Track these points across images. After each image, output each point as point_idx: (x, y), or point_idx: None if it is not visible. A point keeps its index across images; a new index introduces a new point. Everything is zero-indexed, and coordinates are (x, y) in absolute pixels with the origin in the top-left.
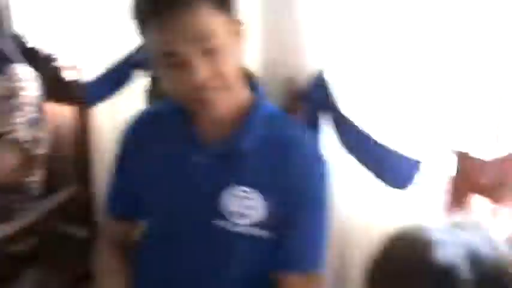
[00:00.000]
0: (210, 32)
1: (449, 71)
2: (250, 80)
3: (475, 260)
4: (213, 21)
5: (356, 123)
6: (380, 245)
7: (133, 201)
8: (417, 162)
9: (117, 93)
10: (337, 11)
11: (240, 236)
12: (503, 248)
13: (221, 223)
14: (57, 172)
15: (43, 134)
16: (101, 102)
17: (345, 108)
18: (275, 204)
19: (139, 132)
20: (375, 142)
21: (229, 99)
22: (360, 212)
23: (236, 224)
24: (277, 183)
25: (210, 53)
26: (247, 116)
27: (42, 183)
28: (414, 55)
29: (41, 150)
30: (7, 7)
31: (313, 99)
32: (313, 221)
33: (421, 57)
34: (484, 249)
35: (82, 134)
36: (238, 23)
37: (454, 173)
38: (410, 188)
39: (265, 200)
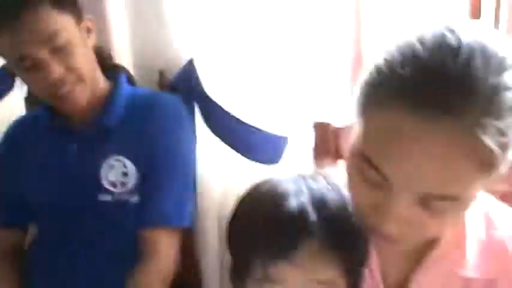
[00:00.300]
0: (54, 31)
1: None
2: (114, 70)
3: (321, 204)
4: (55, 21)
5: (224, 108)
6: (237, 200)
7: (18, 207)
8: (284, 138)
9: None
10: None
11: (123, 204)
12: (346, 193)
13: (106, 197)
14: None
15: None
16: None
17: (214, 95)
18: (143, 166)
19: (16, 139)
20: (243, 124)
21: (87, 90)
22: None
23: (119, 193)
24: (142, 146)
25: (58, 51)
26: (107, 99)
27: None
28: (273, 40)
29: None
30: None
31: (183, 89)
32: (175, 176)
33: (279, 43)
34: (329, 195)
35: None
36: (83, 19)
37: (314, 143)
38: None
39: (135, 164)
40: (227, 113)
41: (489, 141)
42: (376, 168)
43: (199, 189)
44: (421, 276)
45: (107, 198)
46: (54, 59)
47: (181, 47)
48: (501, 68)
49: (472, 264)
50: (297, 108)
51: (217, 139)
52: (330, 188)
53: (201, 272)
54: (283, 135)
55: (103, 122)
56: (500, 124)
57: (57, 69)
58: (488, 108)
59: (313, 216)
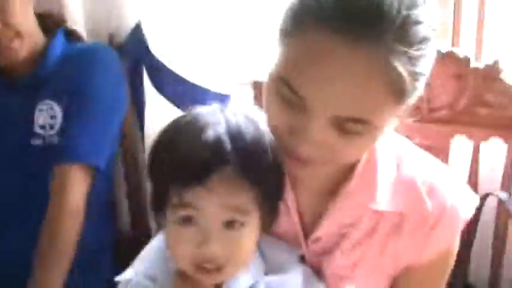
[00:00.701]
0: None
1: None
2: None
3: (237, 135)
4: None
5: (171, 69)
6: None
7: None
8: (227, 96)
9: None
10: None
11: (52, 147)
12: (260, 124)
13: (37, 141)
14: None
15: None
16: None
17: (161, 56)
18: (67, 107)
19: None
20: (189, 83)
21: (24, 45)
22: None
23: (49, 136)
24: (68, 89)
25: None
26: (43, 53)
27: None
28: None
29: None
30: None
31: (132, 51)
32: (93, 116)
33: None
34: (246, 127)
35: None
36: None
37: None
38: None
39: (62, 107)
40: (173, 74)
41: (401, 68)
42: (294, 91)
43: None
44: (334, 210)
45: (38, 142)
46: None
47: (129, 10)
48: (413, 3)
49: (382, 198)
50: (237, 68)
51: (165, 100)
52: (247, 121)
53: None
54: (226, 93)
55: (37, 73)
56: (412, 53)
57: None
58: (401, 36)
59: (228, 145)
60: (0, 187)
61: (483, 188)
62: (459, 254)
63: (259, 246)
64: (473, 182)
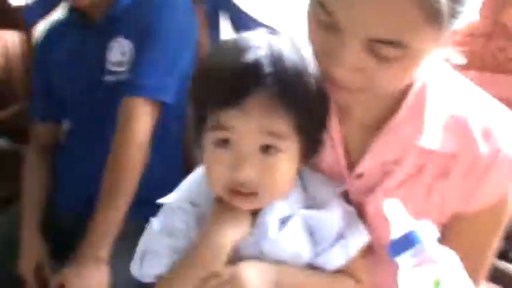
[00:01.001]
0: None
1: None
2: None
3: (278, 59)
4: None
5: (249, 14)
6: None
7: (51, 102)
8: None
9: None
10: None
11: (122, 83)
12: (305, 52)
13: (111, 77)
14: (6, 93)
15: None
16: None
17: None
18: (137, 43)
19: (47, 40)
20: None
21: None
22: None
23: (120, 72)
24: (138, 25)
25: None
26: None
27: None
28: None
29: None
30: None
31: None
32: (162, 51)
33: None
34: (289, 53)
35: (28, 56)
36: None
37: None
38: None
39: (132, 42)
40: (251, 18)
41: None
42: (328, 12)
43: None
44: (377, 144)
45: (110, 78)
46: None
47: None
48: None
49: (430, 136)
50: None
51: None
52: (292, 47)
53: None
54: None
55: (110, 12)
56: None
57: None
58: None
59: (267, 68)
60: (74, 122)
61: None
62: None
63: (301, 179)
64: None
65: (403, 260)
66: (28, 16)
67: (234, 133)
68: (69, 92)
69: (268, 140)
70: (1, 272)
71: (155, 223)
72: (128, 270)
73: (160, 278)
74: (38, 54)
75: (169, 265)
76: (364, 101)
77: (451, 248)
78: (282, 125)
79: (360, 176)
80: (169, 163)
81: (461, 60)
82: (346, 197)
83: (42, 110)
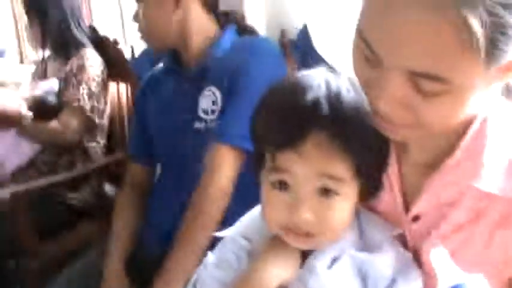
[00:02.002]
0: None
1: None
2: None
3: (336, 100)
4: None
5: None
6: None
7: (147, 144)
8: None
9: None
10: None
11: (210, 130)
12: (363, 93)
13: (200, 124)
14: (115, 140)
15: (104, 106)
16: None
17: (326, 54)
18: (227, 94)
19: (147, 83)
20: None
21: (196, 39)
22: None
23: (210, 120)
24: (229, 76)
25: None
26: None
27: (103, 149)
28: None
29: (102, 120)
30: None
31: (301, 47)
32: (248, 101)
33: None
34: (347, 94)
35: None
36: None
37: None
38: None
39: (222, 93)
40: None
41: (472, 19)
42: (368, 44)
43: None
44: (433, 183)
45: (200, 125)
46: None
47: (298, 12)
48: None
49: (489, 178)
50: None
51: None
52: (350, 86)
53: None
54: None
55: (206, 62)
56: (489, 2)
57: None
58: None
59: (325, 109)
60: (164, 165)
61: None
62: None
63: (357, 220)
64: None
65: None
66: (138, 68)
67: (291, 176)
68: (162, 136)
69: (326, 183)
70: None
71: (210, 255)
72: None
73: None
74: (137, 101)
75: None
76: (420, 140)
77: None
78: (341, 168)
79: (416, 218)
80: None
81: None
82: (404, 242)
83: (137, 152)
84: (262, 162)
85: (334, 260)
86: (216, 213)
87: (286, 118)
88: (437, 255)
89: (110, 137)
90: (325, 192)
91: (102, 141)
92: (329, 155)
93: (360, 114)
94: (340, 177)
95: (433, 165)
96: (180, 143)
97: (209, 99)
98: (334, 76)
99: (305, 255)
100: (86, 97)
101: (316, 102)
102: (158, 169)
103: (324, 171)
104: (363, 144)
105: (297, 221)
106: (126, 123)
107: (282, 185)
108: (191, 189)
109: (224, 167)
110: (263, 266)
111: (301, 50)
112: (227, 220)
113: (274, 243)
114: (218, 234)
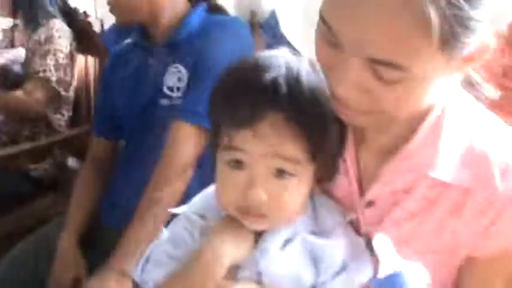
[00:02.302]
0: None
1: None
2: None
3: (295, 81)
4: None
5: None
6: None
7: (111, 119)
8: None
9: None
10: None
11: (175, 108)
12: (323, 77)
13: (165, 101)
14: (81, 113)
15: (70, 79)
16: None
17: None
18: (192, 71)
19: (115, 58)
20: None
21: (166, 13)
22: None
23: (175, 98)
24: (195, 54)
25: None
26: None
27: (68, 121)
28: None
29: (68, 93)
30: None
31: (269, 31)
32: (213, 79)
33: None
34: (307, 76)
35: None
36: None
37: None
38: None
39: (188, 70)
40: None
41: (434, 10)
42: (328, 26)
43: None
44: (388, 170)
45: (165, 102)
46: None
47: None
48: None
49: (444, 167)
50: None
51: None
52: (311, 69)
53: None
54: None
55: (173, 38)
56: None
57: None
58: None
59: (283, 90)
60: (127, 142)
61: None
62: None
63: (312, 204)
64: None
65: None
66: (107, 42)
67: (247, 155)
68: (127, 111)
69: (281, 164)
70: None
71: (164, 231)
72: None
73: (157, 286)
74: (104, 76)
75: (167, 274)
76: (378, 126)
77: None
78: (296, 150)
79: (370, 204)
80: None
81: (494, 94)
82: (357, 227)
83: (101, 126)
84: (218, 141)
85: (287, 242)
86: (175, 190)
87: (244, 96)
88: (379, 242)
89: (75, 110)
90: (280, 173)
91: (67, 113)
92: (285, 136)
93: (318, 98)
94: (295, 158)
95: (390, 152)
96: (145, 119)
97: (175, 76)
98: (296, 58)
99: (258, 236)
100: (52, 68)
101: (274, 83)
102: (122, 144)
103: (279, 152)
104: (319, 127)
105: (251, 201)
106: (92, 96)
107: (237, 165)
108: (154, 166)
109: (184, 144)
110: (215, 244)
111: (269, 33)
112: (188, 198)
113: (228, 222)
114: (173, 210)
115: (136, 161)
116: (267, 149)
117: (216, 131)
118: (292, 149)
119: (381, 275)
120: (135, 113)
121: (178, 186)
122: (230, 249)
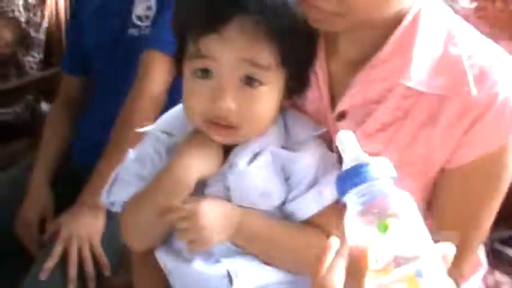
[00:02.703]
0: None
1: None
2: None
3: None
4: None
5: None
6: None
7: (81, 55)
8: None
9: None
10: None
11: (145, 38)
12: None
13: (133, 31)
14: (52, 55)
15: (41, 19)
16: None
17: None
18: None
19: None
20: None
21: None
22: None
23: (144, 27)
24: None
25: None
26: None
27: (39, 64)
28: None
29: (39, 34)
30: None
31: None
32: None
33: None
34: None
35: None
36: None
37: None
38: None
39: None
40: None
41: None
42: None
43: None
44: (360, 79)
45: (134, 32)
46: None
47: None
48: None
49: (418, 76)
50: None
51: None
52: None
53: None
54: None
55: None
56: None
57: None
58: None
59: None
60: (97, 75)
61: None
62: None
63: (283, 119)
64: None
65: (350, 199)
66: None
67: (214, 62)
68: (95, 45)
69: (250, 71)
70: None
71: (131, 152)
72: None
73: (124, 204)
74: (72, 9)
75: (134, 193)
76: (349, 35)
77: (440, 210)
78: (265, 54)
79: (342, 116)
80: None
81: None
82: (330, 142)
83: (70, 62)
84: (184, 52)
85: (256, 156)
86: (146, 120)
87: (208, 1)
88: (342, 137)
89: (47, 53)
90: (250, 80)
91: (38, 56)
92: (253, 39)
93: (287, 2)
94: (264, 64)
95: (361, 63)
96: (114, 52)
97: (144, 5)
98: None
99: (227, 152)
100: (21, 9)
101: None
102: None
103: (248, 57)
104: (289, 31)
105: (220, 110)
106: (64, 38)
107: (205, 73)
108: (123, 100)
109: (156, 74)
110: (183, 159)
111: None
112: None
113: (196, 137)
114: (139, 130)
115: (107, 96)
116: (235, 54)
117: (181, 43)
118: (261, 53)
119: (345, 167)
120: (104, 46)
121: (151, 116)
122: (198, 164)
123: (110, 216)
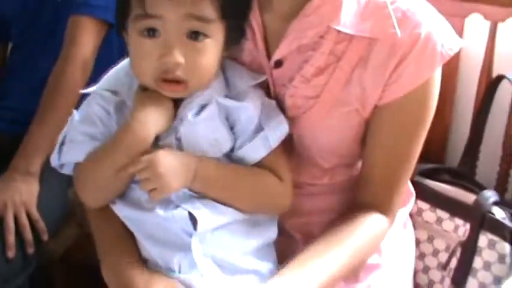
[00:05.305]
0: None
1: None
2: None
3: None
4: None
5: None
6: None
7: (1, 22)
8: None
9: None
10: None
11: (72, 2)
12: None
13: None
14: None
15: None
16: None
17: None
18: None
19: None
20: None
21: None
22: None
23: None
24: None
25: None
26: None
27: None
28: None
29: None
30: None
31: None
32: None
33: None
34: None
35: None
36: None
37: None
38: None
39: None
40: None
41: None
42: None
43: None
44: (294, 27)
45: None
46: None
47: None
48: None
49: (348, 20)
50: None
51: None
52: None
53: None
54: None
55: None
56: None
57: None
58: None
59: None
60: (19, 41)
61: (497, 71)
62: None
63: (224, 71)
64: (487, 63)
65: None
66: None
67: (160, 20)
68: (17, 10)
69: (195, 25)
70: None
71: (75, 113)
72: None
73: (78, 164)
74: None
75: (87, 152)
76: None
77: (372, 148)
78: (207, 8)
79: (279, 64)
80: None
81: None
82: (267, 91)
83: None
84: (127, 13)
85: (203, 108)
86: (76, 85)
87: None
88: None
89: None
90: (195, 35)
91: None
92: None
93: None
94: (207, 17)
95: (295, 13)
96: (38, 17)
97: None
98: None
99: (176, 107)
100: None
101: None
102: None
103: (192, 11)
104: None
105: (169, 66)
106: None
107: (151, 32)
108: (50, 67)
109: (85, 40)
110: (140, 117)
111: None
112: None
113: (148, 95)
114: (84, 91)
115: (32, 63)
116: (180, 11)
117: (124, 5)
118: (204, 8)
119: None
120: (27, 11)
121: (78, 85)
122: (154, 119)
123: (43, 180)
